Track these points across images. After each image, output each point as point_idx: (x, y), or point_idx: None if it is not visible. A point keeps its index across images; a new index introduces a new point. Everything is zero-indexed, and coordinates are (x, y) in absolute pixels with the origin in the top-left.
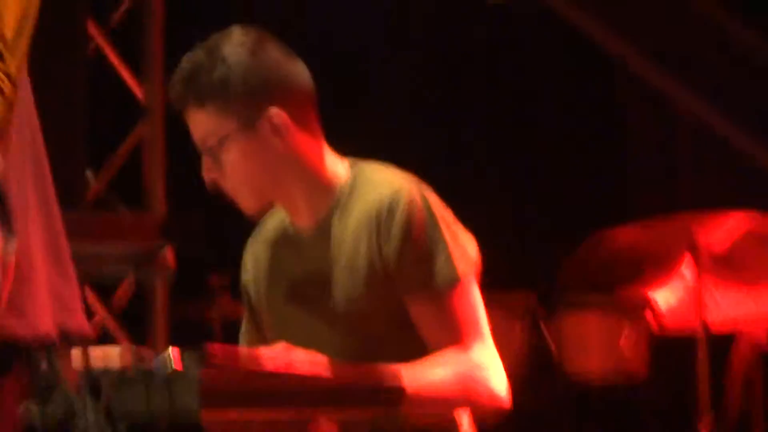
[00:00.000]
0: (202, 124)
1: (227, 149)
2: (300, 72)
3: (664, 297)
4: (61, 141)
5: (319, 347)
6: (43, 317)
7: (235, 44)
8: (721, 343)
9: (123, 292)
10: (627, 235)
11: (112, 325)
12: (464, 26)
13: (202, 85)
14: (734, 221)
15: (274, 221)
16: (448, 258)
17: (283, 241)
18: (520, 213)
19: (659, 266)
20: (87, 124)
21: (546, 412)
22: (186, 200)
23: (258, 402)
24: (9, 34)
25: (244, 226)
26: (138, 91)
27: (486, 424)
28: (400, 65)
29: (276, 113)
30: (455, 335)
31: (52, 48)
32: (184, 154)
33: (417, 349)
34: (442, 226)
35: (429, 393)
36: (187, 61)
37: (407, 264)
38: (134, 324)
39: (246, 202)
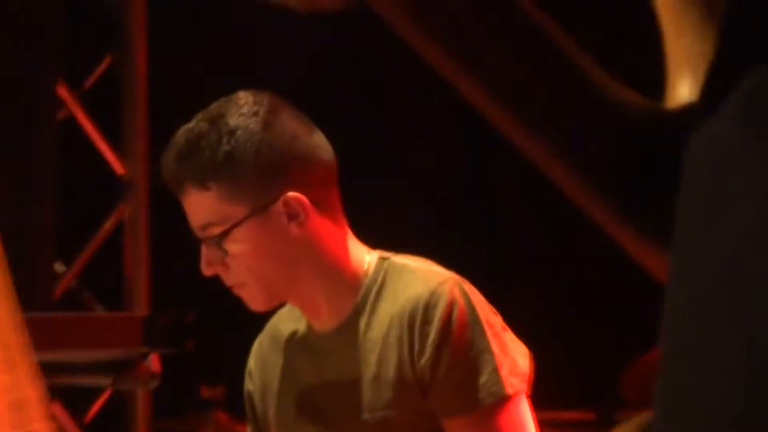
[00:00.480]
0: (203, 209)
1: (234, 239)
2: (321, 145)
3: None
4: (25, 226)
5: None
6: None
7: (245, 113)
8: None
9: (99, 407)
10: None
11: None
12: None
13: (204, 162)
14: None
15: (287, 322)
16: (495, 372)
17: (298, 346)
18: (576, 320)
19: None
20: (56, 205)
21: None
22: (174, 297)
23: None
24: None
25: (243, 327)
26: (117, 166)
27: None
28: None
29: (293, 197)
30: None
31: (14, 113)
32: (172, 242)
33: None
34: (489, 332)
35: None
36: (185, 134)
37: (446, 378)
38: None
39: (255, 301)
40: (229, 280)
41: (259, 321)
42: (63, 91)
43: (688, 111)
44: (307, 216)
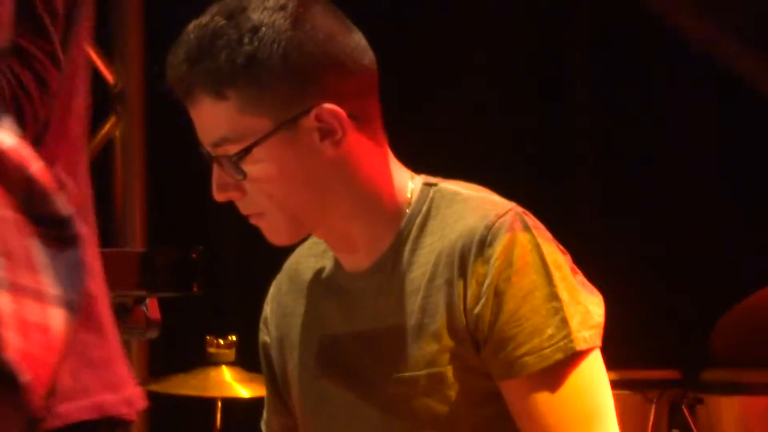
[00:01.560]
0: (218, 121)
1: (255, 158)
2: (360, 47)
3: None
4: None
5: None
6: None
7: (271, 7)
8: None
9: None
10: None
11: None
12: None
13: (222, 65)
14: None
15: (309, 259)
16: (564, 323)
17: (324, 289)
18: (660, 269)
19: None
20: None
21: None
22: (173, 231)
23: None
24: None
25: (254, 269)
26: (109, 76)
27: None
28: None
29: (329, 109)
30: (568, 429)
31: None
32: (171, 167)
33: None
34: (556, 275)
35: None
36: (197, 30)
37: (506, 330)
38: None
39: (277, 233)
40: (246, 207)
41: (275, 260)
42: None
43: None
44: (344, 133)
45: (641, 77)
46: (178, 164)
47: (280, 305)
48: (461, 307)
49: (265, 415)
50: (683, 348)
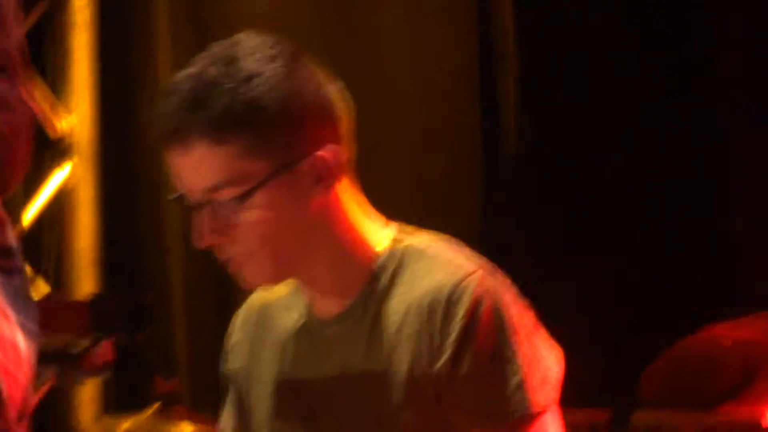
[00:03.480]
0: (215, 167)
1: (254, 201)
2: (342, 98)
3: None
4: None
5: None
6: None
7: (262, 58)
8: None
9: (36, 402)
10: (733, 335)
11: None
12: None
13: (222, 112)
14: None
15: (281, 299)
16: (521, 386)
17: (294, 331)
18: (588, 304)
19: None
20: None
21: None
22: (123, 277)
23: None
24: None
25: (197, 312)
26: (58, 127)
27: None
28: None
29: (325, 155)
30: None
31: None
32: (120, 213)
33: None
34: (521, 336)
35: None
36: (190, 80)
37: (465, 385)
38: None
39: (262, 275)
40: (231, 251)
41: (227, 304)
42: None
43: None
44: (336, 178)
45: None
46: (127, 208)
47: (248, 335)
48: (428, 359)
49: (224, 422)
50: (614, 390)
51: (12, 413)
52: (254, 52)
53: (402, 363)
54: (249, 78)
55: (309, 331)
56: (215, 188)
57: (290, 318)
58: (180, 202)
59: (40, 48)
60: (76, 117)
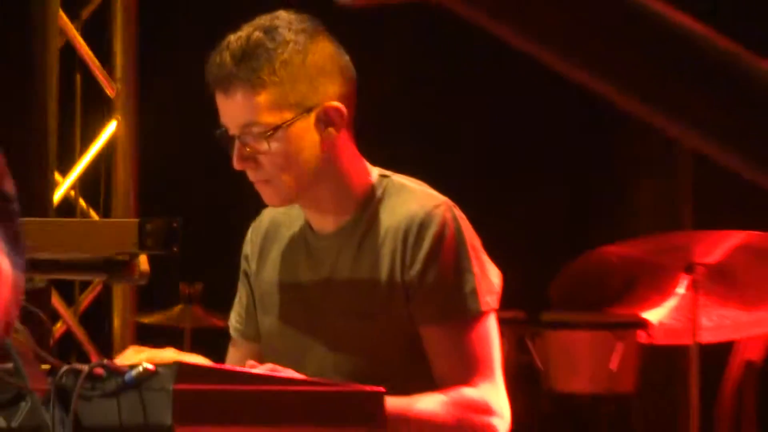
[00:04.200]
0: (250, 108)
1: (277, 137)
2: (351, 66)
3: (657, 316)
4: (29, 141)
5: (313, 365)
6: None
7: (295, 29)
8: (712, 356)
9: (89, 298)
10: (620, 254)
11: (77, 330)
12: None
13: (261, 66)
14: (732, 239)
15: (286, 217)
16: (474, 290)
17: (295, 242)
18: (510, 230)
19: (653, 285)
20: (56, 122)
21: (532, 427)
22: (157, 205)
23: (233, 419)
24: None
25: (219, 233)
26: (109, 89)
27: None
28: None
29: (335, 107)
30: (467, 373)
31: (21, 39)
32: (158, 158)
33: (422, 385)
34: (472, 254)
35: (420, 425)
36: (239, 40)
37: (430, 289)
38: (100, 330)
39: (278, 196)
40: (257, 176)
41: (234, 229)
42: (63, 21)
43: None
44: (341, 126)
45: None
46: (163, 155)
47: (258, 246)
48: (401, 270)
49: (233, 318)
50: (528, 294)
51: None
52: (290, 24)
53: (382, 272)
54: (285, 43)
55: (307, 243)
56: (248, 125)
57: (292, 232)
58: (221, 135)
59: (101, 29)
60: (121, 83)
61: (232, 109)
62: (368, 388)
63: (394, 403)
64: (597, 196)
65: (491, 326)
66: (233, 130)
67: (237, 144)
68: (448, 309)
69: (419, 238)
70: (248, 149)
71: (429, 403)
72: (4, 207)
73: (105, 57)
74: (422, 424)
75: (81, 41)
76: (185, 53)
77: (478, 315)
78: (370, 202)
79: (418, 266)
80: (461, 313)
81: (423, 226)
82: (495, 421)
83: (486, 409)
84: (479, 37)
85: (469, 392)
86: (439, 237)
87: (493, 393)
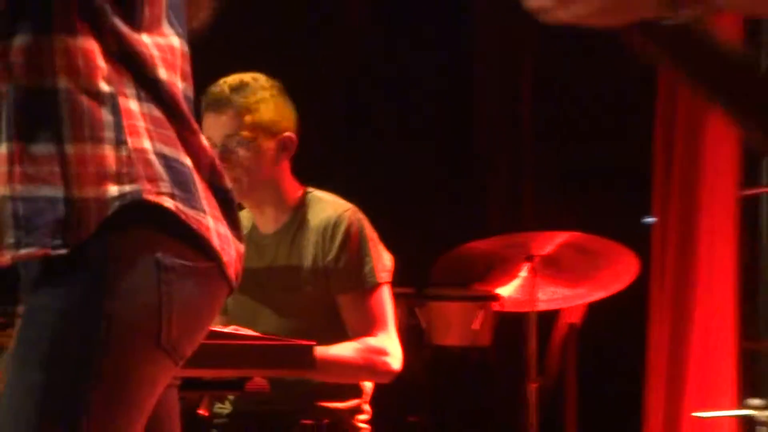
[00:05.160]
0: (237, 123)
1: (250, 146)
2: (294, 113)
3: (507, 291)
4: None
5: (263, 327)
6: None
7: (270, 84)
8: (546, 321)
9: None
10: (480, 247)
11: None
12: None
13: (247, 100)
14: (560, 238)
15: (245, 220)
16: (372, 269)
17: (247, 240)
18: (401, 228)
19: (504, 270)
20: None
21: (418, 372)
22: None
23: (210, 364)
24: None
25: None
26: None
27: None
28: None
29: (289, 136)
30: (369, 327)
31: None
32: None
33: (339, 338)
34: (371, 245)
35: (339, 365)
36: (234, 79)
37: (342, 269)
38: None
39: (239, 191)
40: (230, 174)
41: None
42: None
43: None
44: (291, 151)
45: None
46: None
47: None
48: (321, 257)
49: None
50: (415, 275)
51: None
52: (265, 80)
53: (308, 259)
54: (263, 88)
55: (253, 239)
56: (232, 135)
57: (245, 233)
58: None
59: None
60: None
61: (222, 123)
62: (302, 342)
63: (319, 350)
64: (462, 200)
65: (386, 294)
66: (217, 140)
67: (219, 149)
68: (355, 282)
69: (333, 234)
70: (228, 153)
71: (343, 349)
72: (224, 198)
73: None
74: (340, 364)
75: None
76: None
77: (376, 286)
78: (299, 210)
79: (333, 253)
80: (363, 284)
81: (336, 225)
82: (390, 359)
83: (383, 352)
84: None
85: (371, 340)
86: (347, 232)
87: (388, 340)
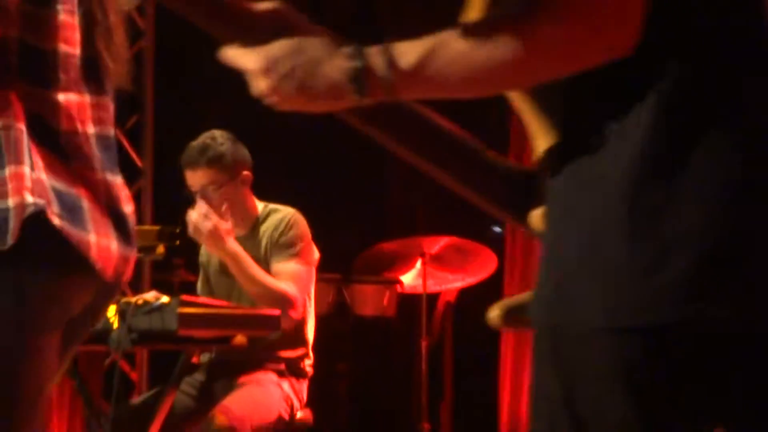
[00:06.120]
0: (206, 178)
1: (218, 192)
2: (248, 154)
3: (407, 279)
4: None
5: (236, 299)
6: None
7: (226, 137)
8: (432, 299)
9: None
10: (388, 247)
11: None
12: None
13: (213, 156)
14: (443, 241)
15: None
16: (299, 252)
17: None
18: (333, 228)
19: (404, 263)
20: None
21: (344, 332)
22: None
23: (210, 325)
24: None
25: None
26: (137, 160)
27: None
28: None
29: (247, 174)
30: (293, 279)
31: None
32: (168, 203)
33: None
34: (305, 240)
35: (255, 277)
36: (200, 143)
37: (281, 245)
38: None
39: (222, 215)
40: (213, 208)
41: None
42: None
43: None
44: (249, 184)
45: None
46: (175, 203)
47: (206, 251)
48: (272, 246)
49: (199, 286)
50: (343, 265)
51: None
52: (221, 136)
53: (264, 249)
54: (222, 144)
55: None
56: (206, 185)
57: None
58: (189, 192)
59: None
60: (146, 156)
61: (198, 177)
62: (267, 311)
63: (255, 269)
64: (375, 211)
65: (305, 271)
66: (197, 188)
67: (199, 195)
68: (286, 255)
69: (281, 226)
70: (206, 196)
71: (265, 275)
72: (117, 216)
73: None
74: (254, 276)
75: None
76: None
77: (301, 263)
78: (258, 220)
79: (277, 236)
80: (291, 258)
81: (282, 220)
82: (290, 300)
83: (289, 295)
84: None
85: (287, 285)
86: (289, 224)
87: (296, 292)
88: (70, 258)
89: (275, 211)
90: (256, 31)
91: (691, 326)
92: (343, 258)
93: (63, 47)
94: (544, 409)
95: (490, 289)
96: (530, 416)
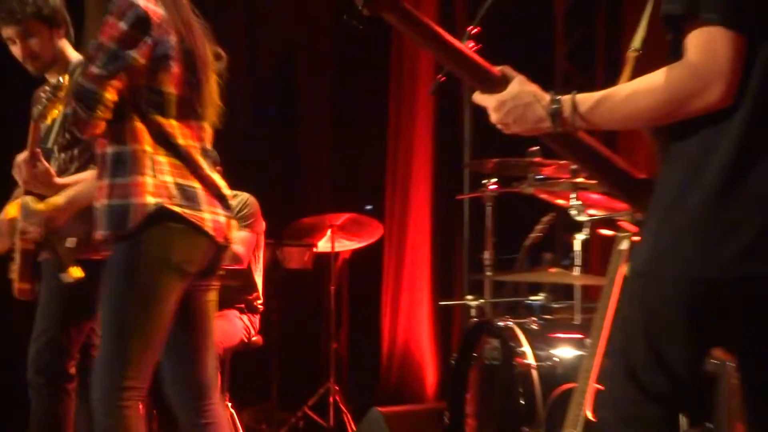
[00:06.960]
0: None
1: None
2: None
3: (320, 243)
4: None
5: None
6: None
7: None
8: (336, 257)
9: None
10: (308, 221)
11: None
12: None
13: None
14: (345, 216)
15: None
16: (252, 223)
17: None
18: (270, 207)
19: (319, 232)
20: None
21: (277, 281)
22: None
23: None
24: None
25: None
26: None
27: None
28: None
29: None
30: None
31: None
32: None
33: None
34: (257, 216)
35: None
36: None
37: (238, 218)
38: None
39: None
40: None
41: None
42: None
43: None
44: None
45: None
46: None
47: None
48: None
49: None
50: (277, 232)
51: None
52: None
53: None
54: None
55: None
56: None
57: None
58: None
59: None
60: None
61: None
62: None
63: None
64: (295, 195)
65: (252, 237)
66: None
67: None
68: (241, 227)
69: (237, 209)
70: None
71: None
72: (218, 194)
73: None
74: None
75: None
76: None
77: (250, 232)
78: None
79: (235, 215)
80: (244, 230)
81: (241, 201)
82: (242, 255)
83: (240, 254)
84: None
85: (238, 247)
86: (245, 204)
87: (243, 251)
88: (190, 230)
89: (237, 196)
90: (494, 83)
91: (755, 281)
92: (277, 228)
93: (175, 89)
94: (627, 328)
95: (374, 251)
96: (612, 330)
